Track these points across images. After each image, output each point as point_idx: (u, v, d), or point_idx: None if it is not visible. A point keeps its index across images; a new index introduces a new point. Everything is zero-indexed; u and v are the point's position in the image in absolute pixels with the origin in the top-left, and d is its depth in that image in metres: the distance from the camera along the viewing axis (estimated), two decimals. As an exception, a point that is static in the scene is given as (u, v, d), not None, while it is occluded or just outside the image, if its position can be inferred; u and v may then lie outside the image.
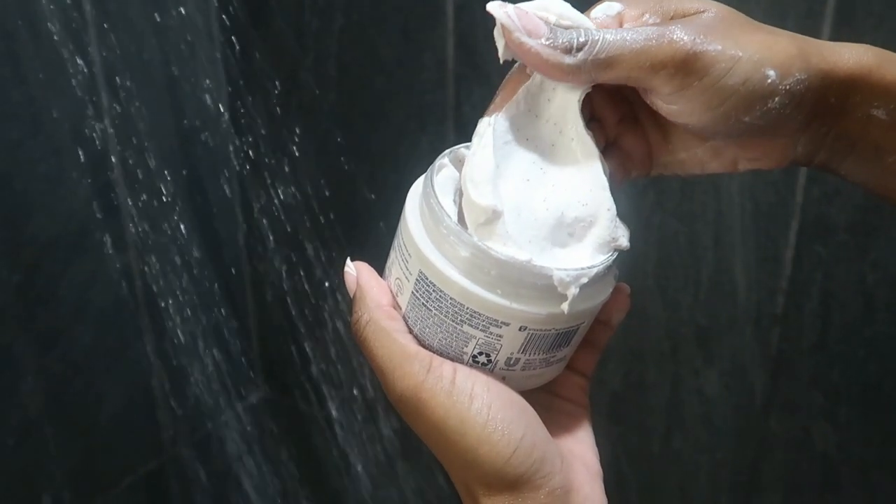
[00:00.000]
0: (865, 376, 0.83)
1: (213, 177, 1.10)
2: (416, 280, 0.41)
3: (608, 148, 0.45)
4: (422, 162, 0.43)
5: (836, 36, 0.73)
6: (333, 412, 1.19)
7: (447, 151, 0.43)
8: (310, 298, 1.12)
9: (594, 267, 0.40)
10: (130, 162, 0.97)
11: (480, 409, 0.39)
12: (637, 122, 0.46)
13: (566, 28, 0.39)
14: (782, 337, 0.86)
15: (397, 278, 0.42)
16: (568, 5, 0.40)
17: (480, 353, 0.41)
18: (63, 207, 0.92)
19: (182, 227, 1.06)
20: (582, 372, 0.48)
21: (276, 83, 1.03)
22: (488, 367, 0.42)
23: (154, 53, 0.98)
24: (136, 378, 1.06)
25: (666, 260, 0.88)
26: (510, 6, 0.39)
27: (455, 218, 0.41)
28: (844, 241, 0.80)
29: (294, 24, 0.99)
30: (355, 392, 1.16)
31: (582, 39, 0.38)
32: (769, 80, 0.38)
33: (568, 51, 0.38)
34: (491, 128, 0.41)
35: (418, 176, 0.43)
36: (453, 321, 0.40)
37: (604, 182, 0.42)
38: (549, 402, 0.46)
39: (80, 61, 0.89)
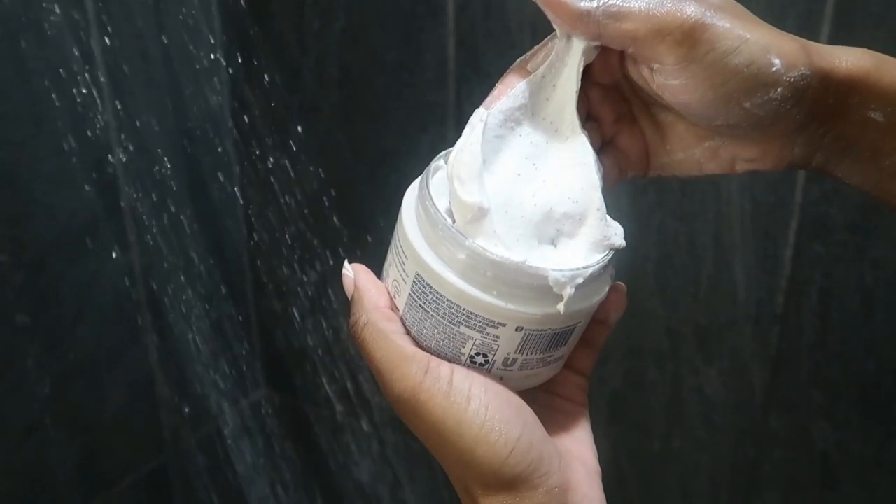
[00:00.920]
0: (864, 375, 0.84)
1: (215, 176, 1.10)
2: (413, 282, 0.41)
3: (604, 147, 0.45)
4: (422, 162, 0.43)
5: (836, 35, 0.73)
6: (335, 411, 1.19)
7: (443, 153, 0.43)
8: (311, 297, 1.12)
9: (589, 267, 0.40)
10: (133, 161, 0.97)
11: (477, 409, 0.39)
12: (634, 121, 0.46)
13: None
14: (782, 336, 0.86)
15: (394, 280, 0.43)
16: None
17: (478, 354, 0.41)
18: (66, 207, 0.92)
19: (184, 226, 1.06)
20: (580, 371, 0.48)
21: (278, 83, 1.03)
22: (486, 367, 0.42)
23: (156, 53, 0.99)
24: (139, 376, 1.07)
25: (666, 259, 0.88)
26: None
27: (450, 219, 0.41)
28: (844, 241, 0.80)
29: (295, 24, 1.00)
30: (357, 391, 1.16)
31: None
32: (774, 68, 0.38)
33: None
34: (482, 123, 0.41)
35: (419, 176, 0.43)
36: (450, 322, 0.40)
37: (596, 182, 0.42)
38: (548, 402, 0.47)
39: (82, 61, 0.89)
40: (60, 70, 0.88)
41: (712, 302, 0.88)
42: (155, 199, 1.01)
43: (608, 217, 0.42)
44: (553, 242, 0.42)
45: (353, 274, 0.44)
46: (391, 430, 1.15)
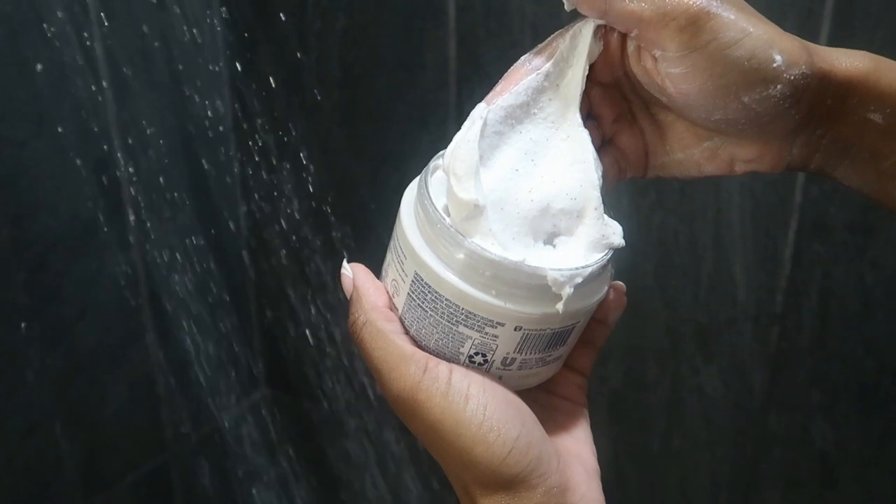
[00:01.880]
0: (864, 374, 0.84)
1: (216, 176, 1.11)
2: (412, 281, 0.41)
3: (603, 146, 0.45)
4: (423, 161, 0.43)
5: (835, 35, 0.74)
6: (336, 410, 1.19)
7: (442, 153, 0.43)
8: (312, 297, 1.13)
9: (588, 266, 0.40)
10: (135, 161, 0.97)
11: (476, 409, 0.39)
12: (634, 121, 0.46)
13: None
14: (781, 335, 0.86)
15: (393, 280, 0.43)
16: None
17: (476, 354, 0.41)
18: (68, 206, 0.92)
19: (185, 225, 1.06)
20: (580, 370, 0.48)
21: (279, 83, 1.04)
22: (484, 367, 0.42)
23: (158, 53, 0.99)
24: (140, 375, 1.07)
25: (666, 259, 0.88)
26: None
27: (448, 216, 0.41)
28: (843, 241, 0.80)
29: (296, 23, 1.00)
30: (358, 390, 1.16)
31: None
32: (775, 64, 0.38)
33: None
34: (482, 120, 0.41)
35: (419, 175, 0.43)
36: (449, 322, 0.40)
37: (595, 180, 0.42)
38: (547, 401, 0.47)
39: (84, 61, 0.89)
40: (63, 70, 0.88)
41: (712, 301, 0.88)
42: (156, 199, 1.01)
43: (606, 216, 0.42)
44: (551, 241, 0.43)
45: (352, 273, 0.45)
46: (392, 429, 1.16)
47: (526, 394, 0.43)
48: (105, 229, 0.96)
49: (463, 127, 0.41)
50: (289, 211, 1.10)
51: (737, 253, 0.85)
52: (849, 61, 0.40)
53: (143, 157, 0.99)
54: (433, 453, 0.42)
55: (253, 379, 1.24)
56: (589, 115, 0.45)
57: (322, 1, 0.97)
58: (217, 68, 1.06)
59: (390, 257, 0.43)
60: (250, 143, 1.09)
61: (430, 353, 0.41)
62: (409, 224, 0.41)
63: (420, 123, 0.97)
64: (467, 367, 0.42)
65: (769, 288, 0.85)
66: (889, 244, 0.78)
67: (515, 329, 0.40)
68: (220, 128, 1.09)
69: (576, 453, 0.44)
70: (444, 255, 0.40)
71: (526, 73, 0.43)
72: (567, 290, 0.39)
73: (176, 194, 1.04)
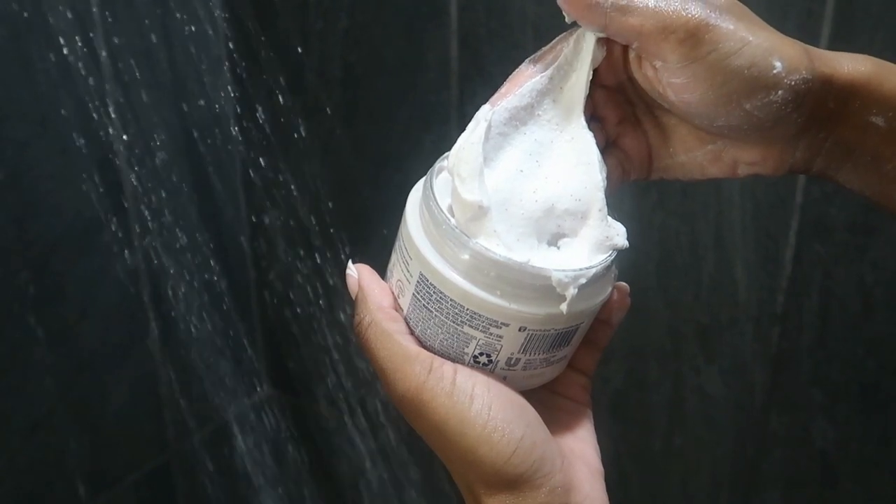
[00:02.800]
0: (864, 374, 0.84)
1: (218, 176, 1.11)
2: (417, 282, 0.41)
3: (607, 148, 0.45)
4: (426, 162, 0.44)
5: (835, 36, 0.74)
6: (339, 410, 1.19)
7: (446, 154, 0.43)
8: (315, 297, 1.13)
9: (592, 267, 0.40)
10: (137, 161, 0.98)
11: (480, 409, 0.39)
12: (638, 123, 0.46)
13: None
14: (782, 335, 0.86)
15: (398, 280, 0.43)
16: None
17: (481, 354, 0.41)
18: (70, 206, 0.93)
19: (188, 225, 1.06)
20: (583, 371, 0.48)
21: (281, 83, 1.04)
22: (489, 367, 0.42)
23: (160, 54, 0.99)
24: (143, 375, 1.07)
25: (667, 259, 0.89)
26: None
27: (452, 217, 0.41)
28: (844, 241, 0.80)
29: (299, 24, 1.00)
30: (360, 390, 1.16)
31: None
32: (775, 71, 0.38)
33: None
34: (486, 122, 0.41)
35: (422, 176, 0.43)
36: (454, 322, 0.41)
37: (599, 182, 0.42)
38: (551, 401, 0.47)
39: (87, 61, 0.90)
40: (65, 70, 0.88)
41: (713, 301, 0.88)
42: (159, 199, 1.02)
43: (610, 218, 0.42)
44: (555, 241, 0.43)
45: (357, 274, 0.45)
46: (395, 428, 1.16)
47: (530, 394, 0.43)
48: (108, 229, 0.96)
49: (467, 128, 0.42)
50: (291, 211, 1.10)
51: (738, 253, 0.85)
52: (851, 65, 0.40)
53: (146, 158, 0.99)
54: (438, 453, 0.42)
55: (255, 378, 1.25)
56: (593, 117, 0.45)
57: (324, 1, 0.97)
58: (220, 69, 1.07)
59: (395, 258, 0.44)
60: (253, 143, 1.09)
61: (435, 354, 0.42)
62: (415, 225, 0.42)
63: (422, 124, 0.97)
64: (472, 367, 0.42)
65: (770, 288, 0.85)
66: (890, 245, 0.79)
67: (520, 329, 0.40)
68: (223, 128, 1.09)
69: (580, 453, 0.44)
70: (449, 255, 0.40)
71: (530, 76, 0.43)
72: (571, 291, 0.39)
73: (178, 195, 1.04)
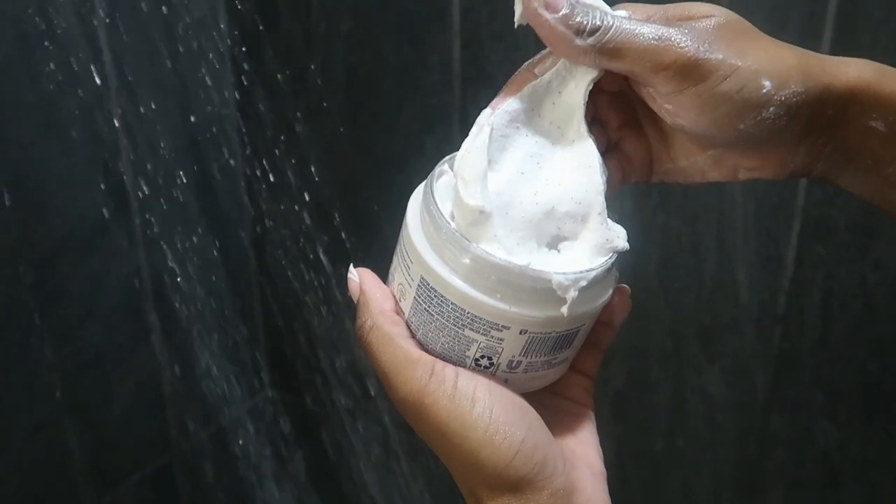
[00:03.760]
0: (866, 375, 0.84)
1: (222, 177, 1.11)
2: (418, 286, 0.41)
3: (608, 151, 0.45)
4: (428, 163, 0.44)
5: (837, 39, 0.74)
6: (341, 410, 1.20)
7: (447, 158, 0.44)
8: (318, 298, 1.13)
9: (593, 270, 0.40)
10: (141, 162, 0.98)
11: (482, 412, 0.39)
12: (639, 127, 0.46)
13: (586, 4, 0.40)
14: (784, 336, 0.86)
15: (400, 284, 0.43)
16: None
17: (482, 357, 0.42)
18: (75, 206, 0.93)
19: (191, 226, 1.07)
20: (585, 372, 0.48)
21: (285, 85, 1.04)
22: (490, 370, 0.42)
23: (164, 56, 0.99)
24: (146, 375, 1.07)
25: (669, 260, 0.89)
26: None
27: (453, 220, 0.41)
28: (845, 242, 0.80)
29: (302, 26, 1.00)
30: (362, 391, 1.16)
31: (596, 23, 0.39)
32: (764, 90, 0.39)
33: (580, 32, 0.39)
34: (489, 126, 0.41)
35: (424, 177, 0.43)
36: (455, 325, 0.41)
37: (600, 185, 0.42)
38: (553, 403, 0.47)
39: (91, 63, 0.90)
40: (70, 72, 0.88)
41: (715, 302, 0.88)
42: (162, 200, 1.02)
43: (610, 220, 0.42)
44: (555, 244, 0.43)
45: (359, 278, 0.45)
46: (398, 429, 1.16)
47: (532, 396, 0.43)
48: (111, 230, 0.97)
49: (471, 133, 0.42)
50: (294, 213, 1.10)
51: (739, 254, 0.85)
52: (850, 71, 0.40)
53: (150, 159, 0.99)
54: (440, 456, 0.42)
55: (258, 379, 1.25)
56: (594, 120, 0.45)
57: (327, 3, 0.97)
58: (223, 70, 1.07)
59: (396, 262, 0.44)
60: (256, 145, 1.10)
61: (437, 357, 0.42)
62: (415, 229, 0.42)
63: (424, 125, 0.97)
64: (473, 370, 0.42)
65: (772, 289, 0.85)
66: (891, 245, 0.79)
67: (521, 332, 0.41)
68: (226, 130, 1.10)
69: (582, 455, 0.44)
70: (450, 259, 0.40)
71: (530, 78, 0.43)
72: (572, 294, 0.39)
73: (182, 196, 1.05)
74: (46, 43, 0.86)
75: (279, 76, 1.04)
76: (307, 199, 1.08)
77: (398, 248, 0.44)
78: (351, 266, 0.45)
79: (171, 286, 1.05)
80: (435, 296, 0.41)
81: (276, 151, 1.08)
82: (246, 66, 1.06)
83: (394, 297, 0.44)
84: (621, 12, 0.42)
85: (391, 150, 1.01)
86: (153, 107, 0.98)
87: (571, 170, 0.43)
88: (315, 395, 1.21)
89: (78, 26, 0.88)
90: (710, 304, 0.89)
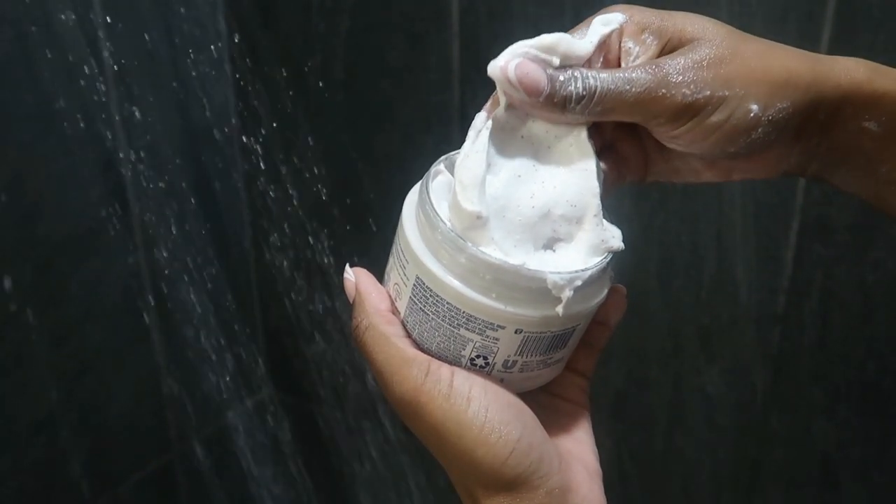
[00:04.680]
0: (865, 375, 0.84)
1: (221, 177, 1.11)
2: (414, 285, 0.41)
3: (604, 151, 0.46)
4: (427, 163, 0.44)
5: (836, 38, 0.74)
6: (340, 410, 1.20)
7: (443, 158, 0.44)
8: (317, 298, 1.13)
9: (587, 269, 0.40)
10: (140, 163, 0.98)
11: (477, 411, 0.40)
12: (635, 128, 0.46)
13: (568, 67, 0.40)
14: (783, 336, 0.86)
15: (395, 284, 0.43)
16: (567, 38, 0.41)
17: (478, 356, 0.42)
18: (74, 207, 0.93)
19: (191, 227, 1.07)
20: (581, 372, 0.48)
21: (284, 85, 1.04)
22: (486, 369, 0.42)
23: (164, 55, 0.99)
24: (145, 375, 1.07)
25: (668, 260, 0.89)
26: (509, 63, 0.40)
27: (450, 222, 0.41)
28: (845, 241, 0.80)
29: (301, 26, 1.00)
30: (361, 390, 1.16)
31: (580, 92, 0.40)
32: (752, 115, 0.39)
33: (567, 103, 0.40)
34: (487, 130, 0.42)
35: (422, 179, 0.44)
36: (450, 325, 0.41)
37: (595, 188, 0.42)
38: (549, 403, 0.47)
39: (91, 63, 0.90)
40: (69, 72, 0.88)
41: (714, 302, 0.88)
42: (162, 200, 1.02)
43: (605, 220, 0.42)
44: (550, 245, 0.43)
45: (355, 277, 0.45)
46: (396, 429, 1.16)
47: (528, 396, 0.43)
48: (111, 230, 0.97)
49: (468, 137, 0.42)
50: (293, 212, 1.10)
51: (738, 254, 0.85)
52: (843, 72, 0.40)
53: (149, 159, 0.99)
54: (436, 455, 0.42)
55: (257, 379, 1.25)
56: None
57: (326, 3, 0.97)
58: (222, 70, 1.07)
59: (392, 262, 0.44)
60: (255, 144, 1.10)
61: (432, 356, 0.42)
62: (411, 229, 0.42)
63: (424, 126, 0.97)
64: (469, 369, 0.42)
65: (771, 289, 0.85)
66: (890, 245, 0.79)
67: (516, 332, 0.41)
68: (226, 130, 1.10)
69: (577, 455, 0.44)
70: (445, 259, 0.40)
71: None
72: (567, 293, 0.39)
73: (181, 196, 1.05)
74: (46, 43, 0.86)
75: (279, 76, 1.04)
76: (306, 198, 1.08)
77: (394, 247, 0.44)
78: (347, 266, 0.45)
79: (170, 286, 1.05)
80: (430, 295, 0.41)
81: (276, 151, 1.08)
82: (245, 66, 1.06)
83: (390, 296, 0.44)
84: (618, 16, 0.42)
85: (390, 150, 1.01)
86: (152, 107, 0.98)
87: (567, 171, 0.43)
88: (315, 395, 1.21)
89: (77, 26, 0.88)
90: (710, 303, 0.89)
